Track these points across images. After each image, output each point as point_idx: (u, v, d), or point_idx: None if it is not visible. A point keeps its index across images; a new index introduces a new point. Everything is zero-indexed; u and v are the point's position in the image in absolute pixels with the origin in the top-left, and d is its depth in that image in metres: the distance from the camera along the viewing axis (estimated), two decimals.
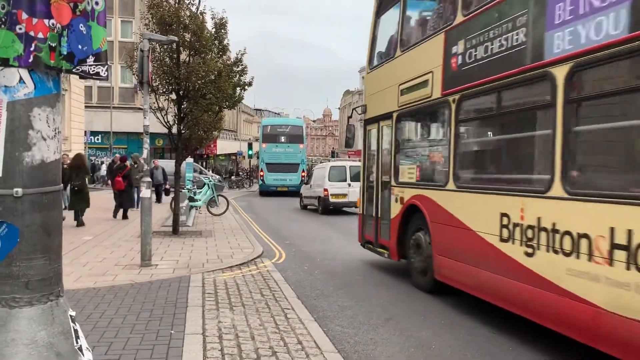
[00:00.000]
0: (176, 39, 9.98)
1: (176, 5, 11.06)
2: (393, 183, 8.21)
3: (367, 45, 9.74)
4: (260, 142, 31.49)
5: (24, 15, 2.29)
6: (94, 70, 2.52)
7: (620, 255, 3.94)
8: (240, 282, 7.30)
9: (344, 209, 19.71)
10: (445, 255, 6.61)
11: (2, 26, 2.27)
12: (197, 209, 15.63)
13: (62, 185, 2.59)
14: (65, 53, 2.43)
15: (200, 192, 16.29)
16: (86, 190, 13.08)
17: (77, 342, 2.48)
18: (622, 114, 4.42)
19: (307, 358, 4.47)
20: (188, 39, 10.95)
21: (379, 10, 9.31)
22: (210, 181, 17.32)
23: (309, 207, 21.68)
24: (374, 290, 7.43)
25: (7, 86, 2.34)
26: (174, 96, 11.19)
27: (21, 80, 2.35)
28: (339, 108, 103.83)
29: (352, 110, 10.62)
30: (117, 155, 19.15)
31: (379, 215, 8.81)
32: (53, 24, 2.36)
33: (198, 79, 10.74)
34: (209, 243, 10.87)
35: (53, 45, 2.38)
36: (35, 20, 2.31)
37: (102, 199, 18.37)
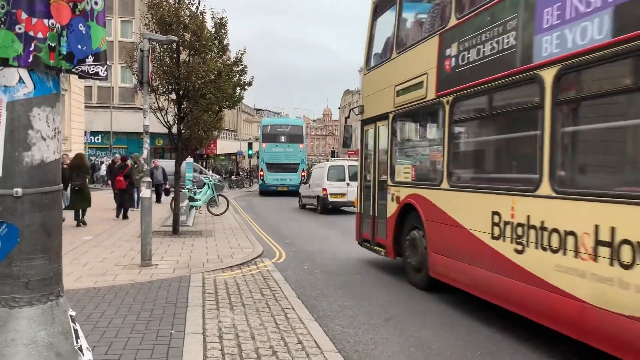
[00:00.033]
0: (176, 38, 9.98)
1: (176, 5, 11.05)
2: (389, 182, 8.36)
3: (364, 46, 9.85)
4: (260, 142, 31.50)
5: (24, 15, 2.29)
6: (93, 70, 2.52)
7: (604, 251, 4.07)
8: (240, 282, 7.30)
9: (343, 208, 19.77)
10: (440, 253, 6.73)
11: (2, 26, 2.28)
12: (197, 209, 15.63)
13: (62, 185, 2.59)
14: (64, 53, 2.43)
15: (200, 192, 16.30)
16: (87, 189, 13.10)
17: (77, 342, 2.49)
18: (606, 115, 4.58)
19: (308, 358, 4.47)
20: (188, 39, 10.95)
21: (376, 13, 9.44)
22: (210, 181, 17.33)
23: (307, 206, 21.76)
24: (374, 289, 7.43)
25: (7, 86, 2.34)
26: (174, 96, 11.18)
27: (21, 80, 2.35)
28: (339, 108, 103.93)
29: (350, 111, 10.74)
30: (117, 155, 19.14)
31: (376, 214, 8.95)
32: (52, 24, 2.36)
33: (198, 79, 10.74)
34: (209, 243, 10.87)
35: (52, 45, 2.38)
36: (34, 20, 2.31)
37: (102, 199, 18.37)
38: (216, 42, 11.73)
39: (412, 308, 6.50)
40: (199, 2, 11.45)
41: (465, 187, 6.31)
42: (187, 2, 11.59)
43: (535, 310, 4.93)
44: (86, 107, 30.15)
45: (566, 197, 4.53)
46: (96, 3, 2.51)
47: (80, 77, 2.57)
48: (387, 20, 8.89)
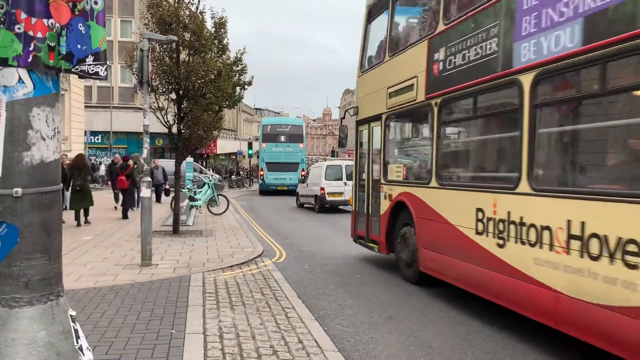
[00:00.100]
0: (176, 38, 9.98)
1: (176, 4, 11.05)
2: (382, 181, 8.63)
3: (359, 48, 10.06)
4: (260, 142, 31.51)
5: (23, 15, 2.29)
6: (93, 70, 2.52)
7: (575, 244, 4.37)
8: (240, 282, 7.30)
9: (340, 207, 19.86)
10: (429, 248, 7.03)
11: (1, 26, 2.27)
12: (197, 209, 15.64)
13: (61, 185, 2.59)
14: (64, 53, 2.43)
15: (201, 191, 16.30)
16: (88, 189, 13.14)
17: (77, 342, 2.49)
18: (577, 118, 4.91)
19: (308, 357, 4.47)
20: (188, 39, 10.94)
21: (370, 16, 9.69)
22: (211, 180, 17.33)
23: (305, 205, 21.96)
24: (374, 289, 7.43)
25: (6, 86, 2.34)
26: (173, 96, 11.18)
27: (20, 80, 2.35)
28: (339, 107, 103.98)
29: (345, 112, 11.02)
30: (117, 155, 19.12)
31: (370, 212, 9.21)
32: (52, 24, 2.36)
33: (198, 79, 10.73)
34: (209, 242, 10.87)
35: (52, 44, 2.38)
36: (34, 20, 2.31)
37: (102, 198, 18.36)
38: (216, 41, 11.72)
39: (412, 307, 6.50)
40: (199, 1, 11.47)
41: (452, 185, 6.61)
42: (187, 1, 11.59)
43: (516, 302, 5.20)
44: (86, 107, 30.13)
45: (542, 194, 4.83)
46: (96, 3, 2.51)
47: (80, 76, 2.57)
48: (380, 24, 9.15)
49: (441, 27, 6.81)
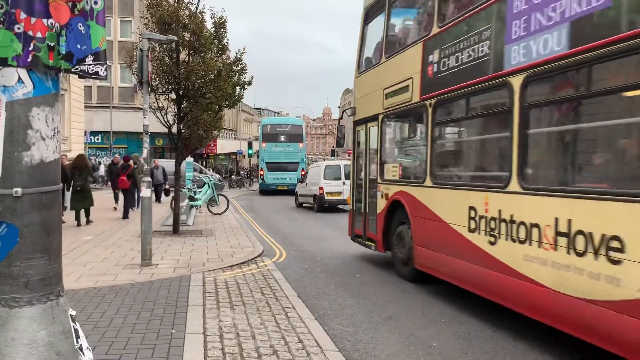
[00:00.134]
0: (175, 38, 9.97)
1: (175, 4, 11.05)
2: (379, 180, 8.79)
3: (356, 50, 10.18)
4: (260, 142, 31.51)
5: (23, 15, 2.29)
6: (92, 70, 2.52)
7: (562, 241, 4.51)
8: (240, 281, 7.30)
9: (339, 206, 19.92)
10: (424, 246, 7.18)
11: (1, 25, 2.27)
12: (197, 209, 15.63)
13: (61, 185, 2.59)
14: (64, 52, 2.43)
15: (201, 191, 16.30)
16: (88, 190, 13.18)
17: (77, 342, 2.49)
18: (565, 119, 5.00)
19: (308, 357, 4.47)
20: (187, 38, 10.94)
21: (367, 19, 9.81)
22: (211, 180, 17.33)
23: (304, 205, 22.05)
24: (374, 288, 7.44)
25: (6, 86, 2.34)
26: (173, 96, 11.18)
27: (20, 80, 2.35)
28: (338, 107, 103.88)
29: (343, 112, 11.15)
30: (117, 155, 19.10)
31: (367, 211, 9.37)
32: (52, 24, 2.36)
33: (198, 78, 10.73)
34: (209, 242, 10.87)
35: (52, 44, 2.38)
36: (33, 20, 2.31)
37: (102, 198, 18.36)
38: (216, 41, 11.71)
39: (412, 306, 6.50)
40: (199, 1, 11.46)
41: (446, 184, 6.75)
42: (187, 1, 11.59)
43: (507, 298, 5.35)
44: (86, 107, 30.11)
45: (531, 192, 4.99)
46: (96, 2, 2.51)
47: (80, 76, 2.57)
48: (377, 26, 9.28)
49: (435, 29, 6.96)
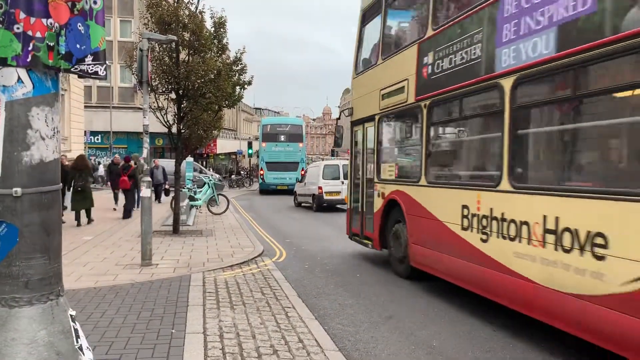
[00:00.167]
0: (175, 38, 9.97)
1: (175, 4, 11.04)
2: (376, 180, 8.94)
3: (354, 51, 10.32)
4: (260, 141, 31.51)
5: (22, 15, 2.29)
6: (92, 70, 2.52)
7: (550, 238, 4.66)
8: (240, 281, 7.30)
9: (338, 206, 19.96)
10: (419, 244, 7.34)
11: (0, 25, 2.27)
12: (197, 208, 15.63)
13: (61, 184, 2.59)
14: (63, 52, 2.43)
15: (201, 191, 16.30)
16: (89, 190, 13.25)
17: (77, 342, 2.49)
18: (553, 120, 5.19)
19: (308, 356, 4.47)
20: (187, 38, 10.93)
21: (364, 20, 9.97)
22: (211, 180, 17.33)
23: (302, 204, 22.14)
24: (374, 288, 7.44)
25: (6, 86, 2.34)
26: (173, 95, 11.17)
27: (19, 79, 2.35)
28: (338, 106, 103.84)
29: (340, 113, 11.31)
30: (117, 155, 19.10)
31: (364, 210, 9.54)
32: (51, 23, 2.36)
33: (197, 78, 10.72)
34: (209, 242, 10.88)
35: (51, 44, 2.38)
36: (33, 20, 2.31)
37: (102, 198, 18.36)
38: (215, 41, 11.70)
39: (412, 306, 6.50)
40: (198, 1, 11.45)
41: (440, 183, 6.94)
42: (187, 1, 11.58)
43: (500, 294, 5.49)
44: (86, 107, 30.10)
45: (521, 191, 5.14)
46: (95, 2, 2.51)
47: (79, 76, 2.57)
48: (374, 28, 9.41)
49: (430, 32, 7.10)
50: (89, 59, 2.51)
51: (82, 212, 13.19)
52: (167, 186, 19.49)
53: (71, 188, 12.82)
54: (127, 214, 14.97)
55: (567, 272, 4.44)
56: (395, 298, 6.89)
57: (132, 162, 15.68)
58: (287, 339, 4.87)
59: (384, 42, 8.91)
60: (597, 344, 4.23)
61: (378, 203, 8.75)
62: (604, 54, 4.14)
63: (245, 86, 12.85)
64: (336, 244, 11.53)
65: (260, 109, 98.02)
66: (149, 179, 8.71)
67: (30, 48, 2.32)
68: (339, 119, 11.96)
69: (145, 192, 8.59)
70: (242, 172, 44.58)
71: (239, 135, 62.24)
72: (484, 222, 5.69)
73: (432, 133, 7.22)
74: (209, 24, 11.78)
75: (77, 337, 2.50)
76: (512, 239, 5.19)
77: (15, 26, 2.28)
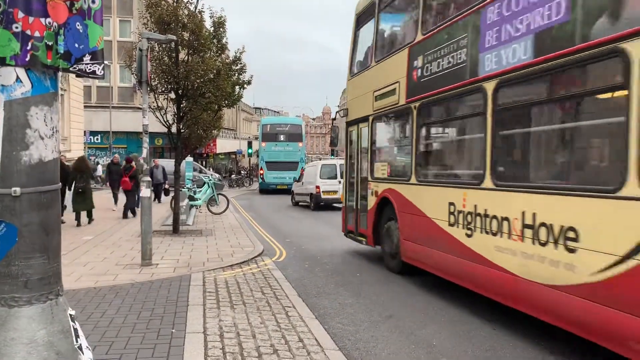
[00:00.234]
0: (175, 38, 9.97)
1: (174, 4, 11.03)
2: (369, 178, 9.22)
3: (348, 53, 10.53)
4: (260, 141, 31.51)
5: (20, 14, 2.29)
6: (90, 69, 2.52)
7: (528, 232, 4.94)
8: (241, 281, 7.30)
9: (334, 204, 20.03)
10: (410, 240, 7.63)
11: None
12: (197, 208, 15.63)
13: (60, 184, 2.59)
14: (62, 52, 2.43)
15: (200, 191, 16.29)
16: (90, 192, 13.34)
17: (76, 341, 2.48)
18: (530, 122, 5.45)
19: (309, 356, 4.47)
20: (186, 38, 10.93)
21: (358, 23, 10.20)
22: (210, 180, 17.33)
23: (300, 203, 22.29)
24: (374, 287, 7.44)
25: (4, 85, 2.34)
26: (173, 95, 11.17)
27: (18, 79, 2.35)
28: (338, 106, 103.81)
29: (336, 113, 11.49)
30: (117, 155, 19.07)
31: (359, 207, 9.81)
32: (50, 23, 2.36)
33: (197, 78, 10.72)
34: (209, 242, 10.87)
35: (50, 44, 2.38)
36: (31, 19, 2.31)
37: (102, 198, 18.35)
38: (215, 40, 11.70)
39: (412, 305, 6.50)
40: (197, 1, 11.43)
41: (429, 181, 7.24)
42: (186, 1, 11.58)
43: (483, 286, 5.78)
44: (85, 107, 30.08)
45: (502, 189, 5.43)
46: (93, 2, 2.50)
47: (78, 75, 2.57)
48: (368, 31, 9.64)
49: (419, 37, 7.36)
50: (87, 59, 2.51)
51: (83, 212, 13.22)
52: (166, 186, 19.48)
53: (72, 189, 12.86)
54: (124, 213, 14.96)
55: (542, 264, 4.71)
56: (395, 297, 6.89)
57: (133, 163, 15.67)
58: (287, 339, 4.87)
59: (377, 45, 9.15)
60: (572, 332, 4.47)
61: (372, 201, 9.01)
62: (576, 60, 4.40)
63: (245, 85, 12.85)
64: (336, 243, 11.53)
65: (259, 108, 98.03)
66: (148, 178, 8.71)
67: (28, 47, 2.32)
68: (334, 119, 12.43)
69: (145, 191, 8.58)
70: (241, 172, 44.58)
71: (239, 135, 62.23)
72: (469, 218, 5.97)
73: (421, 134, 7.47)
74: (208, 24, 11.77)
75: (77, 336, 2.50)
76: (494, 234, 5.48)
77: (14, 25, 2.28)
